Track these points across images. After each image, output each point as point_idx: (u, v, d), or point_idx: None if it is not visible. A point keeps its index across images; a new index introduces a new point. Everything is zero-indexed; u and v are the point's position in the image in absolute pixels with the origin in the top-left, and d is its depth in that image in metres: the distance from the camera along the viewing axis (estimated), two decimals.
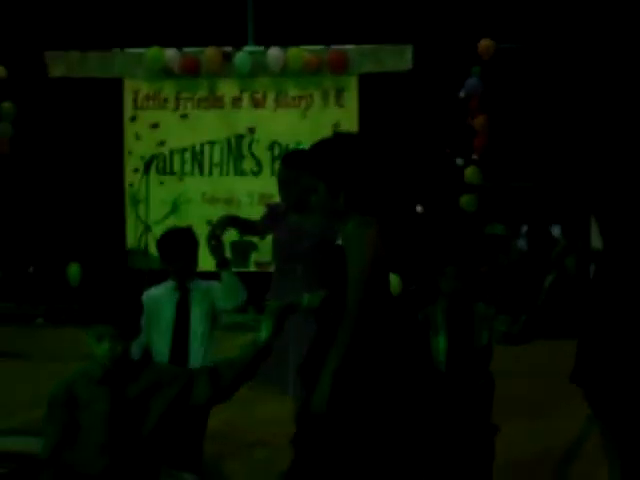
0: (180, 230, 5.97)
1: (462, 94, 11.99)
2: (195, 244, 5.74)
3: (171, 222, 11.62)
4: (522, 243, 11.64)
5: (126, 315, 3.91)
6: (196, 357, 5.61)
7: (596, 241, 6.47)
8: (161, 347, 5.61)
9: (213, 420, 5.47)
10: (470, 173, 11.98)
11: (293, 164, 5.96)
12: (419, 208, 12.19)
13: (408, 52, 12.08)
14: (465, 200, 11.95)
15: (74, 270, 12.66)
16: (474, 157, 12.02)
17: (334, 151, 3.97)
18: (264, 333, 3.99)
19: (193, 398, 3.91)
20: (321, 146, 4.03)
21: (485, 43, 11.85)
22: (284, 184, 5.98)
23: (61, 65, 12.97)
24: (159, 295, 5.70)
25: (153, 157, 12.51)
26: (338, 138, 4.09)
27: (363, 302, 3.90)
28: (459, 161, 12.08)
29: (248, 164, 12.82)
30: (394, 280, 12.06)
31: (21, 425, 7.20)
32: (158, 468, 3.94)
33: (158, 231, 12.37)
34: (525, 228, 11.67)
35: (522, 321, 5.12)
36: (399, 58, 12.11)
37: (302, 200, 5.85)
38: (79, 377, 3.94)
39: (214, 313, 5.73)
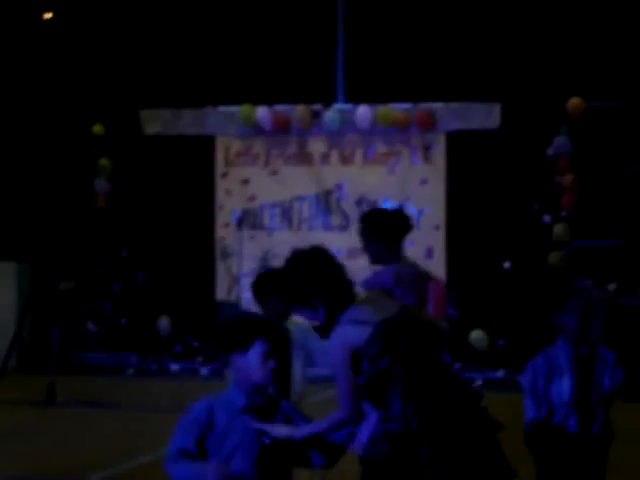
0: (277, 270, 5.99)
1: (550, 152, 12.01)
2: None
3: None
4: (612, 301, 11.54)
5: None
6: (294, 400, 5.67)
7: None
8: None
9: None
10: (558, 230, 11.96)
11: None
12: (507, 264, 12.18)
13: (496, 110, 12.15)
14: (553, 257, 11.91)
15: (164, 322, 12.91)
16: (562, 215, 12.00)
17: (299, 275, 4.19)
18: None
19: (308, 462, 4.08)
20: (286, 276, 4.28)
21: (574, 101, 11.87)
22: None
23: (155, 123, 13.34)
24: None
25: (244, 212, 12.77)
26: (293, 262, 4.27)
27: (352, 392, 4.06)
28: (547, 218, 12.07)
29: (336, 219, 12.97)
30: (481, 335, 12.05)
31: (116, 474, 7.37)
32: None
33: (247, 285, 12.70)
34: (614, 286, 11.57)
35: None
36: (487, 116, 12.18)
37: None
38: (220, 402, 3.98)
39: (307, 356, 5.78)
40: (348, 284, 4.24)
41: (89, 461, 7.88)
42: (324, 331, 4.17)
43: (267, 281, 5.82)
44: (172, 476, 3.89)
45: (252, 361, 3.95)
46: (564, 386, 5.16)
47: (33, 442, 8.65)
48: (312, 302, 4.14)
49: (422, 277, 6.17)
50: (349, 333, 4.06)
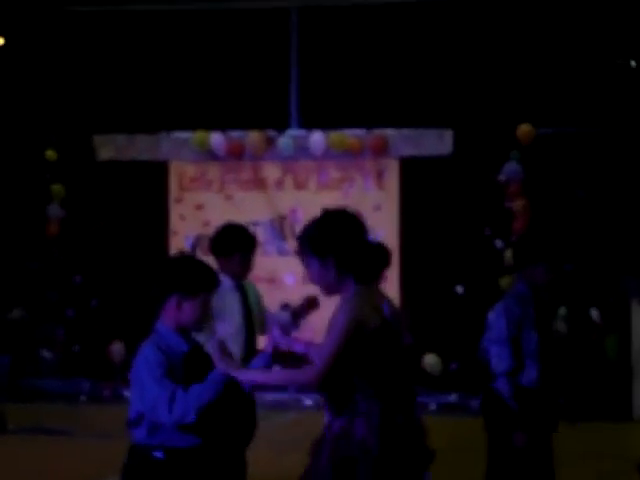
0: (239, 226, 6.01)
1: (502, 178, 12.16)
2: (254, 242, 5.86)
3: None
4: (561, 326, 11.67)
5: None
6: None
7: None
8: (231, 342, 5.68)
9: None
10: (510, 255, 12.09)
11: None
12: (460, 289, 12.29)
13: (448, 136, 12.30)
14: (505, 281, 12.03)
15: (118, 348, 12.83)
16: (514, 240, 12.14)
17: (322, 226, 4.17)
18: None
19: None
20: (309, 224, 4.24)
21: (524, 128, 12.05)
22: None
23: (109, 148, 13.32)
24: (223, 293, 5.64)
25: (198, 237, 12.77)
26: (324, 215, 4.26)
27: (333, 358, 3.96)
28: (499, 243, 12.20)
29: (291, 244, 13.00)
30: (434, 359, 12.12)
31: None
32: None
33: None
34: (563, 310, 11.71)
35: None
36: (439, 142, 12.32)
37: None
38: (161, 344, 3.99)
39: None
40: (368, 257, 4.16)
41: None
42: (328, 291, 4.12)
43: (232, 238, 5.81)
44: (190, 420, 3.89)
45: (196, 308, 4.00)
46: (533, 335, 5.16)
47: None
48: (326, 257, 4.07)
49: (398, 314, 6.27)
50: (364, 311, 4.00)
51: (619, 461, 8.15)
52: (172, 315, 4.01)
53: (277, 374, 4.06)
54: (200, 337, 4.27)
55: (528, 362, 5.17)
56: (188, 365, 3.97)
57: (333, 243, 4.08)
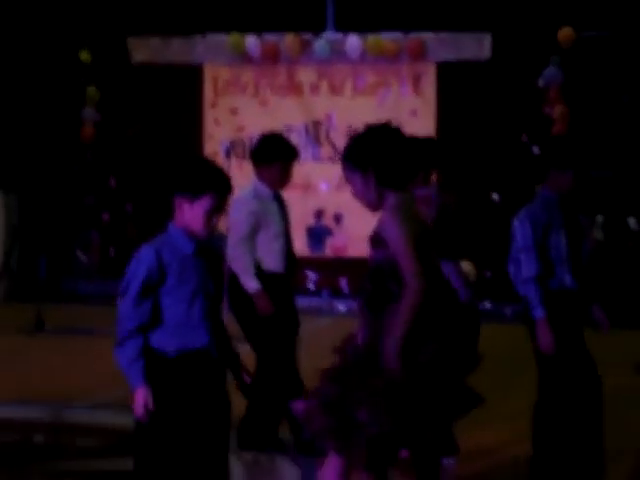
0: (280, 135, 6.08)
1: (541, 83, 11.94)
2: (295, 152, 5.87)
3: None
4: (598, 233, 11.57)
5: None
6: None
7: None
8: (276, 251, 5.82)
9: None
10: None
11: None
12: (495, 196, 12.18)
13: (487, 40, 12.07)
14: None
15: None
16: None
17: (362, 140, 4.14)
18: None
19: None
20: (352, 140, 4.22)
21: (565, 32, 11.78)
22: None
23: (143, 51, 13.21)
24: (265, 202, 5.77)
25: (233, 142, 12.71)
26: (365, 130, 4.22)
27: (420, 273, 3.95)
28: (536, 150, 12.03)
29: (325, 150, 12.92)
30: (469, 267, 12.07)
31: (104, 401, 7.41)
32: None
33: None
34: (601, 218, 11.58)
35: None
36: (478, 46, 12.10)
37: None
38: (165, 246, 3.94)
39: None
40: (408, 170, 4.16)
41: (75, 388, 7.91)
42: (372, 207, 4.12)
43: (273, 146, 5.84)
44: (118, 360, 3.89)
45: (198, 212, 3.89)
46: (562, 239, 5.08)
47: (18, 368, 8.67)
48: (367, 170, 4.06)
49: None
50: (408, 222, 4.00)
51: None
52: (182, 218, 3.94)
53: (393, 325, 3.93)
54: None
55: (559, 268, 5.09)
56: (191, 265, 3.91)
57: (373, 156, 4.06)
